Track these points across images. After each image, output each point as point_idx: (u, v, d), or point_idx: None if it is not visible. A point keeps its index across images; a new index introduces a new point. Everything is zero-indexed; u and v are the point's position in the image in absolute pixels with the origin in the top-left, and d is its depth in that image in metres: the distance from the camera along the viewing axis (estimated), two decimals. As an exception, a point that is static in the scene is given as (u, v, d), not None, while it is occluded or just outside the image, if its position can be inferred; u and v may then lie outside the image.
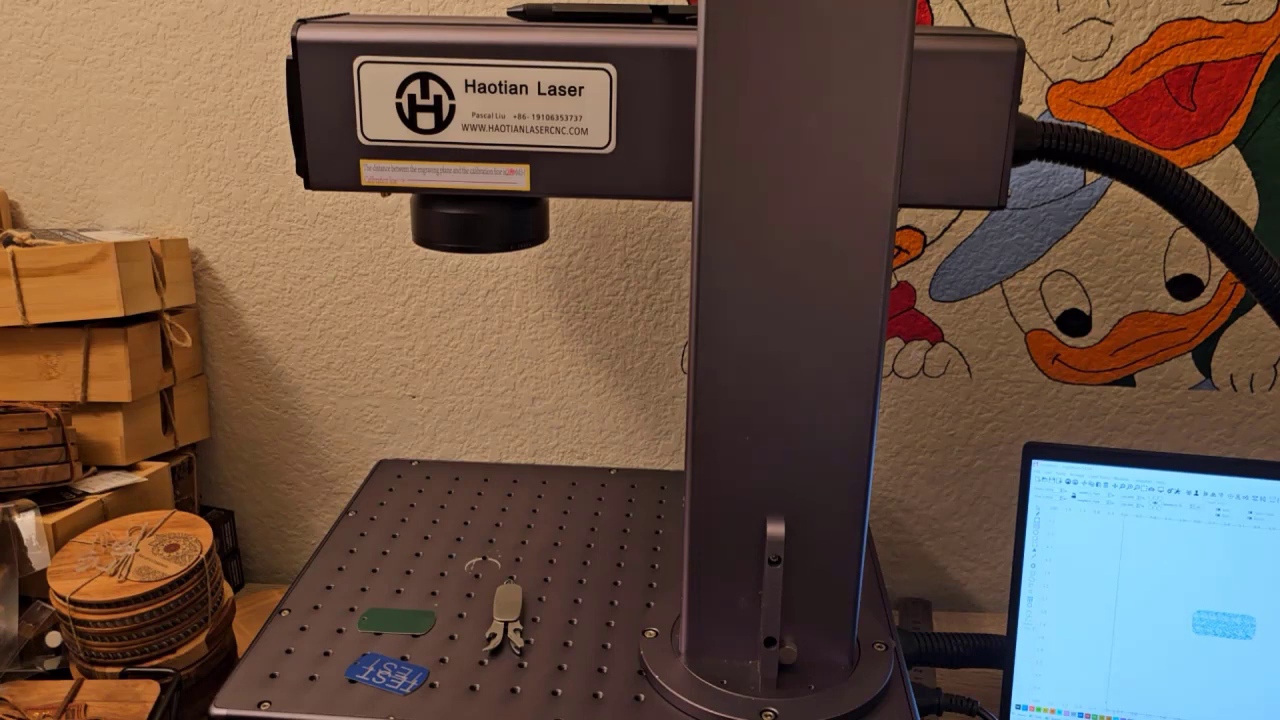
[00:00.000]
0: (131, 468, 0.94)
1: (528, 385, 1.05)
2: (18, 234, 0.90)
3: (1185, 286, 0.97)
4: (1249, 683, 0.75)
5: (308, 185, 0.66)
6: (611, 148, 0.62)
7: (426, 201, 0.68)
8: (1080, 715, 0.77)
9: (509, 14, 0.69)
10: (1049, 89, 0.91)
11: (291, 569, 1.12)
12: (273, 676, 0.67)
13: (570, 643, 0.71)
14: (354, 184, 0.65)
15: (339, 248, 1.01)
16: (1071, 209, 0.95)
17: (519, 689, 0.67)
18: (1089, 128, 0.72)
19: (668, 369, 1.03)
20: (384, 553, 0.82)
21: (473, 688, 0.67)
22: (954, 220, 0.96)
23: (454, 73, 0.62)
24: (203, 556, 0.79)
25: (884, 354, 0.60)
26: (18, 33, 0.96)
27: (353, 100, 0.63)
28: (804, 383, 0.60)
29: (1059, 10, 0.89)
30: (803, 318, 0.59)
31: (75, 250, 0.87)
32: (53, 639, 0.78)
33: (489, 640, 0.71)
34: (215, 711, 0.64)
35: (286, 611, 0.74)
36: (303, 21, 0.63)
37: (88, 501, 0.87)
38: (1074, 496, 0.76)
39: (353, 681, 0.67)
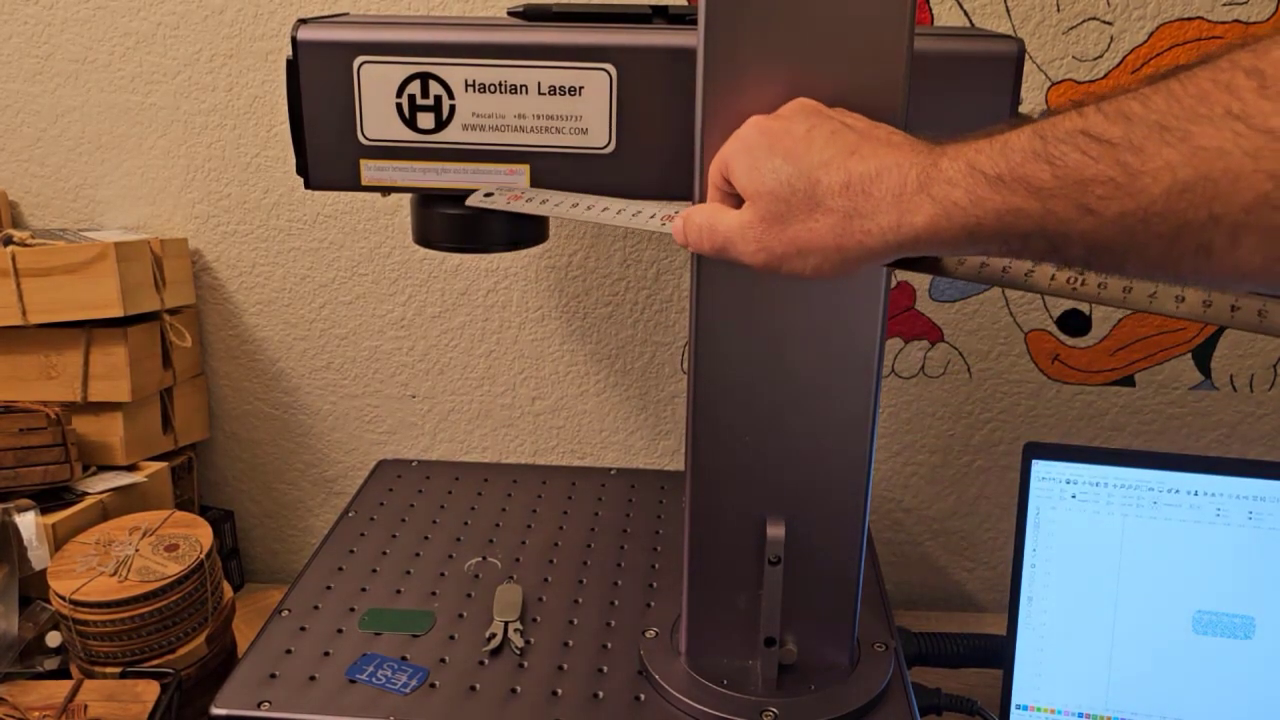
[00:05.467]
0: (131, 468, 0.94)
1: (528, 385, 1.05)
2: (18, 234, 0.90)
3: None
4: (1249, 683, 0.75)
5: (308, 185, 0.66)
6: (611, 148, 0.62)
7: (426, 201, 0.68)
8: (1080, 715, 0.77)
9: (509, 14, 0.69)
10: (1049, 89, 0.91)
11: (291, 569, 1.12)
12: (273, 676, 0.67)
13: (570, 643, 0.71)
14: (354, 184, 0.65)
15: (339, 248, 1.01)
16: (1071, 209, 0.95)
17: (519, 689, 0.67)
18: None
19: (668, 369, 1.03)
20: (384, 553, 0.82)
21: (473, 688, 0.67)
22: (954, 220, 0.96)
23: (454, 73, 0.62)
24: (203, 556, 0.79)
25: (884, 354, 0.60)
26: (18, 32, 0.96)
27: (353, 100, 0.63)
28: (804, 383, 0.60)
29: (1059, 10, 0.89)
30: (803, 318, 0.59)
31: (75, 250, 0.87)
32: (53, 639, 0.78)
33: (489, 640, 0.71)
34: (215, 711, 0.64)
35: (286, 611, 0.74)
36: (303, 21, 0.63)
37: (88, 501, 0.87)
38: (1074, 496, 0.76)
39: (353, 681, 0.67)
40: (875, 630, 0.71)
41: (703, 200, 0.57)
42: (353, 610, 0.74)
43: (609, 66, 0.61)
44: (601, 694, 0.66)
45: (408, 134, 0.63)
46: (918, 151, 0.44)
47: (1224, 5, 0.88)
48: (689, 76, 0.55)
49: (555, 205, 0.60)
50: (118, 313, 0.89)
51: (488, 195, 0.62)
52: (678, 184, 0.61)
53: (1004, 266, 0.46)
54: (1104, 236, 0.37)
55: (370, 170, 0.64)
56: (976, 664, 0.85)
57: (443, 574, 0.79)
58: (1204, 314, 0.42)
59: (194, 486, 1.03)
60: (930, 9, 0.90)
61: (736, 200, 0.50)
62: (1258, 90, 0.33)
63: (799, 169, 0.46)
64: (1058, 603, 0.77)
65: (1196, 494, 0.75)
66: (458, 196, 0.64)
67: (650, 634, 0.71)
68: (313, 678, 0.67)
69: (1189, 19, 0.89)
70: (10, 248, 0.87)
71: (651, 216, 0.57)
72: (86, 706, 0.71)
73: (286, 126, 0.65)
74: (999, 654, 0.81)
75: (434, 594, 0.77)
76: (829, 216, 0.45)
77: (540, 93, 0.62)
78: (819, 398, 0.61)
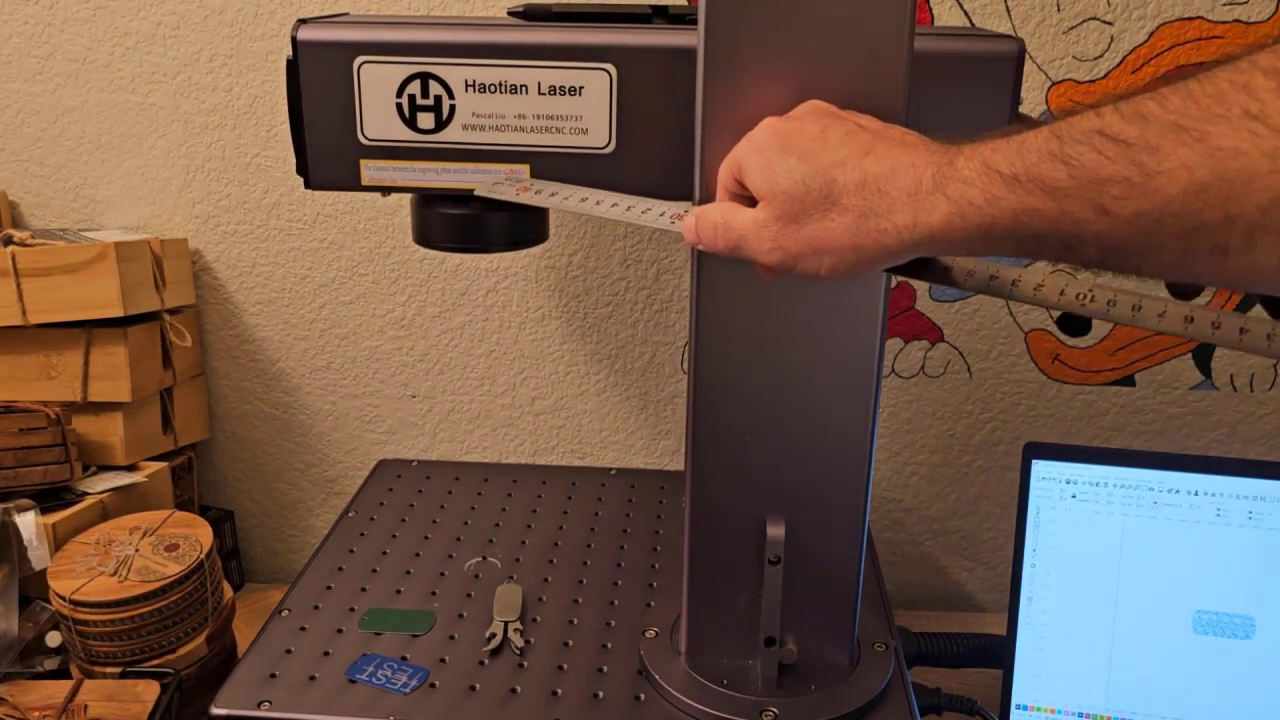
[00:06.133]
0: (131, 468, 0.94)
1: (528, 385, 1.05)
2: (18, 234, 0.90)
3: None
4: (1249, 683, 0.75)
5: (308, 185, 0.66)
6: (611, 148, 0.62)
7: (426, 201, 0.68)
8: (1080, 715, 0.77)
9: (509, 14, 0.69)
10: (1049, 89, 0.91)
11: (291, 569, 1.12)
12: (273, 676, 0.67)
13: (570, 643, 0.71)
14: (354, 184, 0.65)
15: (339, 248, 1.01)
16: (1071, 209, 0.95)
17: (519, 689, 0.67)
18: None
19: (668, 369, 1.03)
20: (384, 553, 0.82)
21: (473, 688, 0.67)
22: (954, 220, 0.96)
23: (454, 73, 0.62)
24: (203, 556, 0.79)
25: (884, 354, 0.60)
26: (18, 32, 0.96)
27: (353, 100, 0.63)
28: (804, 383, 0.60)
29: (1059, 10, 0.89)
30: (803, 317, 0.59)
31: (75, 250, 0.87)
32: (53, 639, 0.78)
33: (489, 640, 0.71)
34: (215, 711, 0.64)
35: (286, 611, 0.74)
36: (303, 21, 0.63)
37: (88, 501, 0.87)
38: (1074, 496, 0.76)
39: (353, 681, 0.67)
40: (875, 630, 0.71)
41: (704, 201, 0.57)
42: (353, 610, 0.74)
43: (609, 66, 0.61)
44: (601, 694, 0.66)
45: (408, 134, 0.63)
46: (933, 151, 0.44)
47: (1224, 5, 0.88)
48: (689, 76, 0.55)
49: (564, 199, 0.60)
50: (118, 313, 0.89)
51: (496, 184, 0.62)
52: (678, 184, 0.61)
53: (1013, 280, 0.46)
54: (1119, 237, 0.37)
55: (370, 170, 0.64)
56: (976, 664, 0.85)
57: (443, 574, 0.79)
58: (1212, 335, 0.42)
59: (194, 486, 1.03)
60: (930, 9, 0.90)
61: (747, 202, 0.50)
62: (1276, 91, 0.33)
63: (814, 168, 0.47)
64: (1058, 603, 0.77)
65: (1196, 494, 0.75)
66: (458, 196, 0.64)
67: (650, 634, 0.71)
68: (313, 678, 0.67)
69: (1189, 19, 0.89)
70: (10, 248, 0.87)
71: (661, 214, 0.57)
72: (86, 706, 0.71)
73: (286, 126, 0.65)
74: (999, 654, 0.81)
75: (434, 594, 0.77)
76: (845, 215, 0.46)
77: (540, 93, 0.62)
78: (819, 398, 0.61)
